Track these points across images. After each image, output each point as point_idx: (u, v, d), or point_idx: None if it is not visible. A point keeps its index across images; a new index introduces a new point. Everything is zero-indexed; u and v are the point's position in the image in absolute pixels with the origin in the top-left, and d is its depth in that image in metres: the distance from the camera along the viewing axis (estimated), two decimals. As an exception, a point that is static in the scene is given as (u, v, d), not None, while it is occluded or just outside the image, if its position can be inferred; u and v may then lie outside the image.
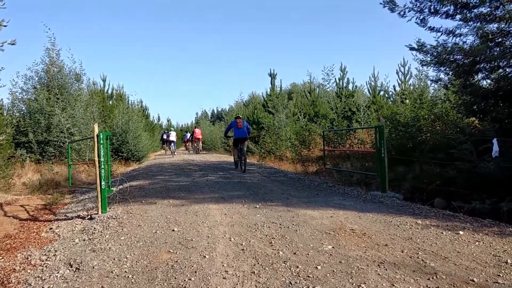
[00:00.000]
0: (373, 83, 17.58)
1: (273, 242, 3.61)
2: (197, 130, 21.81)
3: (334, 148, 10.87)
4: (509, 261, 2.92)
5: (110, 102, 20.64)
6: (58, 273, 3.04)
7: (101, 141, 5.14)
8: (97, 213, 5.10)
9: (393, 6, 6.70)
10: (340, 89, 17.77)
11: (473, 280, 2.59)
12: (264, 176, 8.96)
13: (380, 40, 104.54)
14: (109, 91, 21.27)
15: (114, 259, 3.28)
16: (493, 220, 4.35)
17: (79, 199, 7.10)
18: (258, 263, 3.05)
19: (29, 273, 3.12)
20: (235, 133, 10.19)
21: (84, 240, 4.00)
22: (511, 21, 5.78)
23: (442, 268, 2.83)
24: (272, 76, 19.82)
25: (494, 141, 5.17)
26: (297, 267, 2.92)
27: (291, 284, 2.63)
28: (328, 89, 19.39)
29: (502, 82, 5.78)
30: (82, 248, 3.70)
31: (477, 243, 3.43)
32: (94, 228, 4.41)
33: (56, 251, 3.66)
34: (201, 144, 22.75)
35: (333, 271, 2.82)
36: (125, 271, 2.98)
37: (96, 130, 5.13)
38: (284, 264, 2.99)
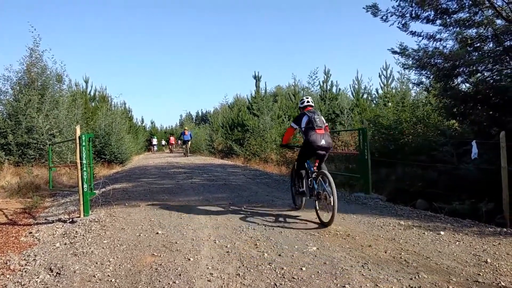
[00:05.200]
0: (356, 86, 17.80)
1: (258, 244, 3.61)
2: (172, 138, 32.18)
3: (319, 150, 10.92)
4: (488, 260, 3.00)
5: (93, 104, 20.28)
6: (38, 278, 2.96)
7: (83, 143, 5.05)
8: (79, 217, 4.99)
9: (376, 11, 6.83)
10: (324, 92, 17.94)
11: (454, 279, 2.65)
12: (249, 178, 8.96)
13: (364, 43, 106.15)
14: (92, 93, 20.90)
15: (96, 263, 3.22)
16: (472, 220, 4.47)
17: (60, 202, 6.93)
18: (243, 265, 3.04)
19: (8, 278, 3.02)
20: (184, 137, 20.54)
21: (65, 244, 3.91)
22: (489, 26, 5.97)
23: (424, 267, 2.88)
24: (257, 78, 19.85)
25: (473, 143, 5.29)
26: (282, 268, 2.93)
27: (276, 285, 2.63)
28: (313, 92, 19.56)
29: (481, 85, 5.94)
30: (63, 252, 3.62)
31: (457, 243, 3.51)
32: (76, 232, 4.32)
33: (36, 255, 3.56)
34: (174, 147, 32.24)
35: (318, 272, 2.84)
36: (108, 275, 2.93)
37: (78, 132, 5.03)
38: (269, 266, 3.00)
